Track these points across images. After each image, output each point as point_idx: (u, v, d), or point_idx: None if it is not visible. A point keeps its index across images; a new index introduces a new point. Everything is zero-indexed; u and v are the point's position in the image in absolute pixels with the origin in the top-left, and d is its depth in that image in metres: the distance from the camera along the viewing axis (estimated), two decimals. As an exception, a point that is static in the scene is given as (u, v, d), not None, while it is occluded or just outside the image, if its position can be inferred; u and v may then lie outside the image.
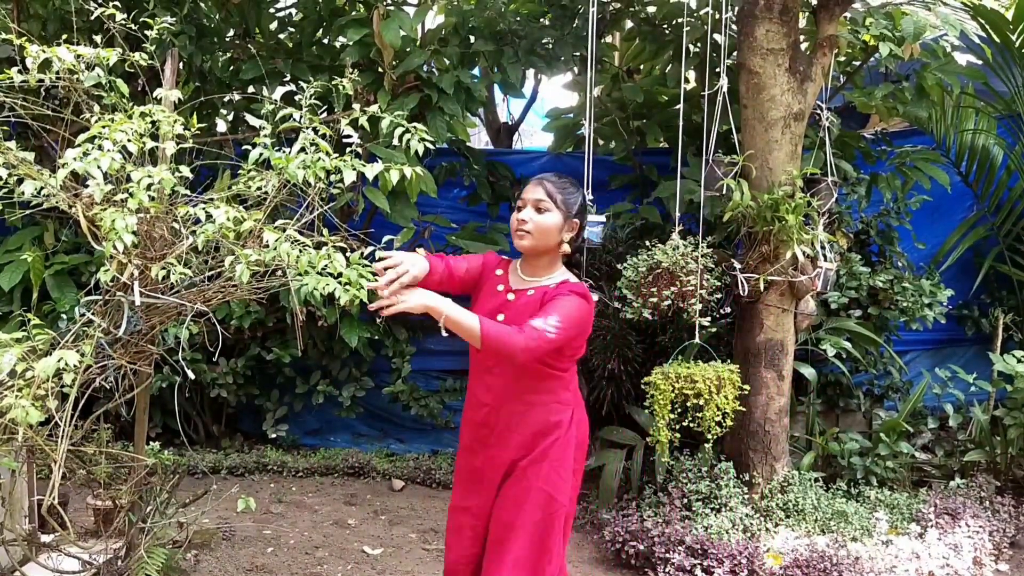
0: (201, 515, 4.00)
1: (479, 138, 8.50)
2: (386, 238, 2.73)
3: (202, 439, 5.66)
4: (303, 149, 2.69)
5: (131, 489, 3.07)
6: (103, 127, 2.48)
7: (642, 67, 6.38)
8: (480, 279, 2.77)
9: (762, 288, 4.23)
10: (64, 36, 2.88)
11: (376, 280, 2.39)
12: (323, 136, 2.76)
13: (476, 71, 5.49)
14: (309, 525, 4.52)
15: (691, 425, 3.91)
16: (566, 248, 2.70)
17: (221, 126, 5.69)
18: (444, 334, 2.39)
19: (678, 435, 3.94)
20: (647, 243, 4.27)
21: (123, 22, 2.87)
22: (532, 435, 2.63)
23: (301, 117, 2.80)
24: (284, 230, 2.62)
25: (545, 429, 2.64)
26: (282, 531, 4.42)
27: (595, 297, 4.31)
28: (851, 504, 4.24)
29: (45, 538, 3.34)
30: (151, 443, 4.50)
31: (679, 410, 3.90)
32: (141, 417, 3.18)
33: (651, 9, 5.79)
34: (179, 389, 4.99)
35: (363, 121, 2.93)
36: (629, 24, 5.93)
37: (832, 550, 3.82)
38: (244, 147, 2.93)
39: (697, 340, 4.14)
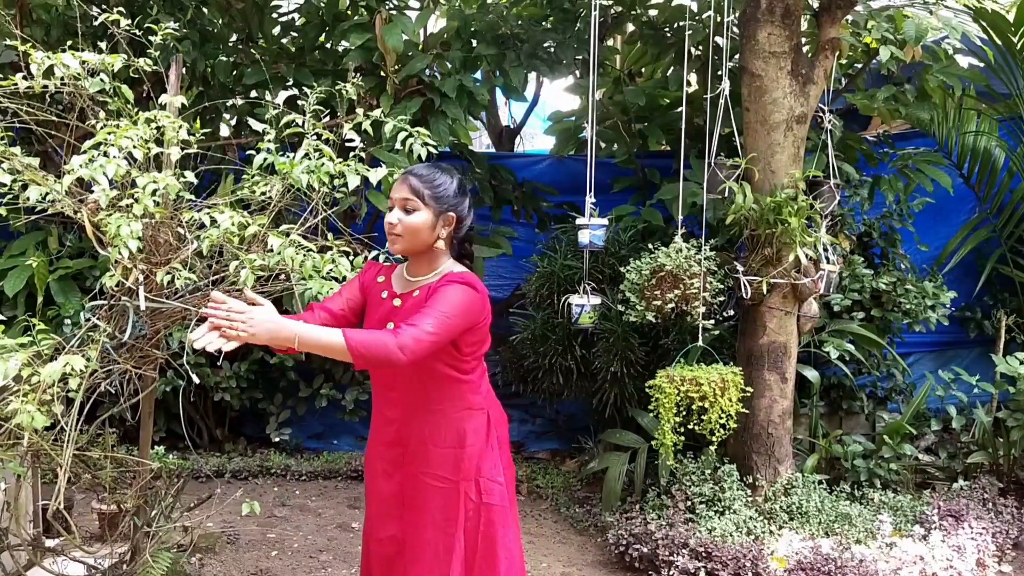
0: (205, 519, 4.01)
1: (481, 141, 8.51)
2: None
3: (206, 443, 5.66)
4: (307, 155, 2.71)
5: (136, 493, 3.08)
6: (109, 133, 2.49)
7: (644, 70, 6.39)
8: (364, 297, 2.57)
9: (765, 291, 4.23)
10: (68, 42, 2.89)
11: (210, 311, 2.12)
12: (326, 141, 2.77)
13: (478, 75, 5.50)
14: (313, 529, 4.53)
15: (695, 428, 3.91)
16: (440, 245, 2.47)
17: (224, 130, 5.71)
18: (302, 357, 2.24)
19: (682, 438, 3.94)
20: (650, 246, 4.27)
21: (127, 28, 2.88)
22: (451, 447, 2.48)
23: (304, 122, 2.82)
24: (288, 234, 2.63)
25: (462, 439, 2.48)
26: (286, 535, 4.42)
27: (598, 300, 4.33)
28: (855, 506, 4.23)
29: (50, 543, 3.34)
30: (155, 447, 4.51)
31: (684, 413, 3.90)
32: (146, 421, 3.19)
33: (653, 12, 5.80)
34: (183, 393, 5.00)
35: (366, 125, 2.94)
36: (631, 27, 5.94)
37: (836, 553, 3.82)
38: (248, 152, 2.94)
39: (700, 343, 4.14)
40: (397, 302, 2.46)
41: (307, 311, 2.47)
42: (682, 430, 3.92)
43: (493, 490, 2.50)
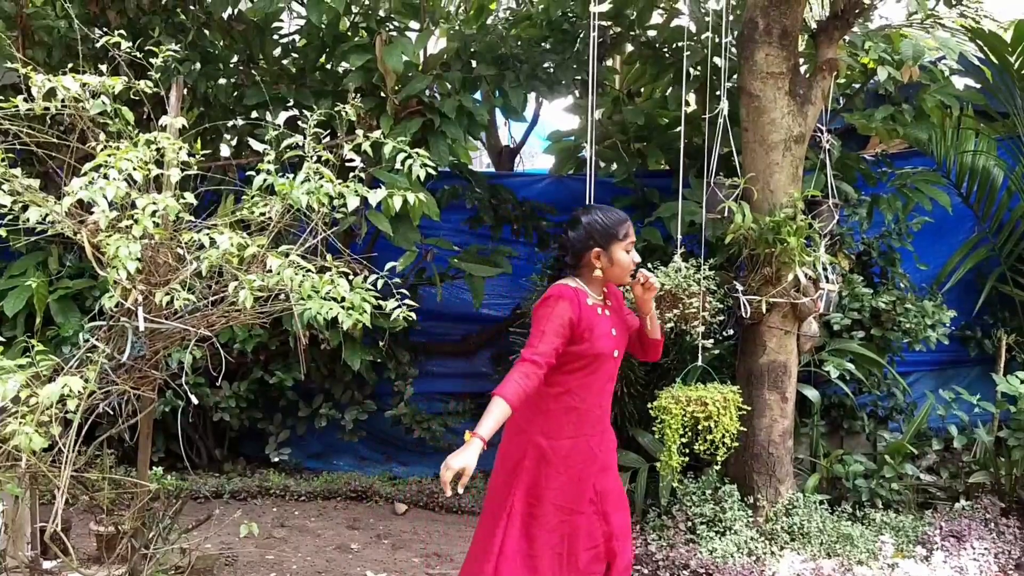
0: (204, 540, 3.99)
1: (481, 161, 8.54)
2: (388, 265, 2.74)
3: (205, 463, 5.64)
4: (307, 178, 2.71)
5: (134, 515, 3.07)
6: (109, 155, 2.50)
7: (643, 90, 6.42)
8: (576, 326, 2.78)
9: (764, 310, 4.23)
10: (69, 64, 2.91)
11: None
12: (326, 162, 2.78)
13: (478, 95, 5.53)
14: (312, 550, 4.50)
15: (699, 449, 3.89)
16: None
17: (225, 151, 5.73)
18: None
19: (685, 459, 3.92)
20: (649, 265, 4.27)
21: (128, 50, 2.89)
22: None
23: (304, 143, 2.83)
24: (287, 255, 2.64)
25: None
26: (285, 556, 4.40)
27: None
28: (856, 527, 4.21)
29: (48, 564, 3.33)
30: (154, 468, 4.49)
31: (689, 434, 3.88)
32: (144, 442, 3.18)
33: (652, 33, 5.84)
34: (182, 413, 4.98)
35: (366, 146, 2.95)
36: (630, 48, 5.97)
37: (838, 574, 3.80)
38: (248, 172, 2.96)
39: (700, 362, 4.13)
40: (607, 312, 2.93)
41: (522, 382, 2.65)
42: (686, 451, 3.91)
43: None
